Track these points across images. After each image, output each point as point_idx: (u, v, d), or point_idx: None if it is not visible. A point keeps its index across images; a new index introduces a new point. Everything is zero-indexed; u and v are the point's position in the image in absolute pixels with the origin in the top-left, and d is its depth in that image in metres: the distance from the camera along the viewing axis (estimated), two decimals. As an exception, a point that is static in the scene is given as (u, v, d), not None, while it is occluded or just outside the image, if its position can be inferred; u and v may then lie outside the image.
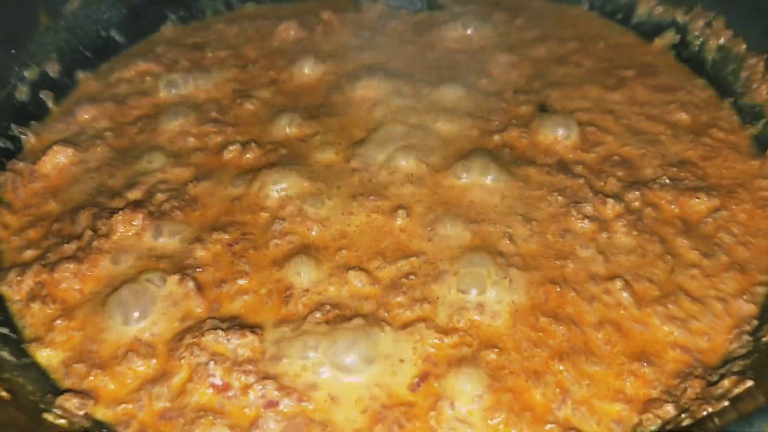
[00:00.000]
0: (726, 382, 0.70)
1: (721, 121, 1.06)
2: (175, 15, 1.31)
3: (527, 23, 1.28)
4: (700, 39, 1.17)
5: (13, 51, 1.11)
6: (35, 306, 0.84)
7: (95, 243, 0.89)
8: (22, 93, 1.11)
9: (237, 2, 1.36)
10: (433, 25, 1.28)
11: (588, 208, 0.91)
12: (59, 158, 1.02)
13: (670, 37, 1.21)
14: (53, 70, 1.16)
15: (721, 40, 1.14)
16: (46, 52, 1.16)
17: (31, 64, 1.13)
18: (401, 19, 1.30)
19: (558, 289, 0.82)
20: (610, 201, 0.91)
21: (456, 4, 1.33)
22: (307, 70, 1.18)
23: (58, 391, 0.76)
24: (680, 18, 1.21)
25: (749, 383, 0.68)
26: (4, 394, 0.71)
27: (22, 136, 1.07)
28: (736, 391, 0.68)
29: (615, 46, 1.23)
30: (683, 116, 1.07)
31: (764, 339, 0.76)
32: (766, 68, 1.06)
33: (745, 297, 0.82)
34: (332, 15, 1.28)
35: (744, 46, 1.10)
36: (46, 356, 0.80)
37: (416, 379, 0.75)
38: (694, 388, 0.72)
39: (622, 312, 0.81)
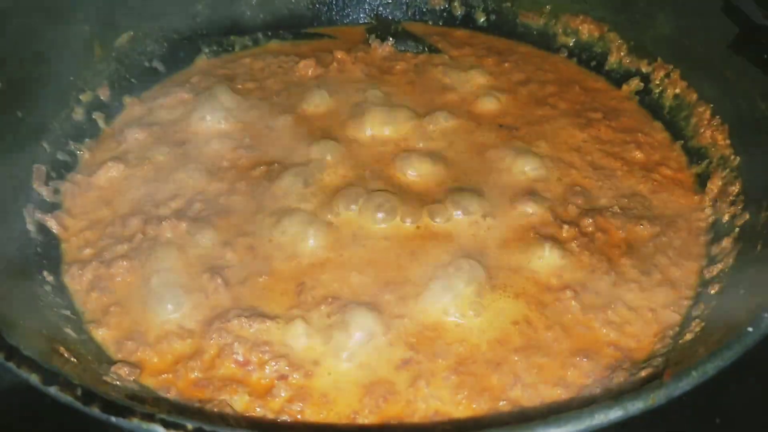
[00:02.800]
0: (642, 373, 0.89)
1: (671, 160, 1.25)
2: (208, 48, 1.50)
3: (514, 67, 1.46)
4: (660, 87, 1.36)
5: (71, 78, 1.30)
6: (94, 294, 1.03)
7: (144, 244, 1.08)
8: (78, 114, 1.30)
9: (262, 39, 1.54)
10: (432, 65, 1.47)
11: (548, 230, 1.10)
12: (112, 172, 1.21)
13: (635, 84, 1.40)
14: (104, 94, 1.35)
15: (677, 90, 1.32)
16: (99, 79, 1.35)
17: (86, 90, 1.32)
18: (405, 60, 1.49)
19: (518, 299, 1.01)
20: (566, 226, 1.09)
21: (453, 48, 1.52)
22: (321, 102, 1.37)
23: (112, 362, 0.95)
24: (644, 68, 1.39)
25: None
26: (73, 359, 0.90)
27: (78, 152, 1.26)
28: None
29: (588, 90, 1.41)
30: (638, 155, 1.25)
31: (681, 342, 0.94)
32: (711, 116, 1.24)
33: (672, 308, 1.01)
34: (345, 54, 1.47)
35: (695, 96, 1.29)
36: (101, 335, 0.99)
37: (401, 362, 0.94)
38: (618, 377, 0.91)
39: (569, 317, 1.00)
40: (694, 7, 1.30)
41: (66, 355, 0.87)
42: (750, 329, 0.74)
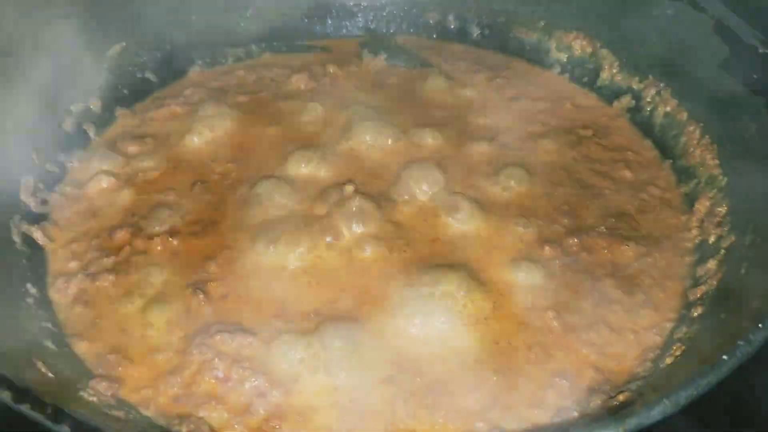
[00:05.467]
0: (620, 397, 0.89)
1: (659, 179, 1.24)
2: (201, 60, 1.51)
3: (506, 83, 1.46)
4: (651, 105, 1.35)
5: (62, 89, 1.31)
6: (77, 308, 1.03)
7: (132, 258, 1.08)
8: (69, 125, 1.30)
9: (256, 51, 1.55)
10: (424, 80, 1.47)
11: (532, 250, 1.10)
12: (102, 184, 1.21)
13: (626, 101, 1.39)
14: (95, 105, 1.36)
15: (668, 108, 1.32)
16: (90, 89, 1.36)
17: (77, 100, 1.33)
18: (397, 75, 1.49)
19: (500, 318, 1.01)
20: (548, 247, 1.09)
21: (446, 62, 1.52)
22: (313, 115, 1.37)
23: (92, 376, 0.95)
24: (636, 85, 1.39)
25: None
26: (50, 374, 0.90)
27: (68, 163, 1.27)
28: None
29: (579, 107, 1.41)
30: (627, 173, 1.25)
31: (661, 366, 0.94)
32: (701, 135, 1.24)
33: (654, 330, 1.00)
34: (337, 69, 1.48)
35: (685, 115, 1.28)
36: (82, 348, 0.99)
37: (380, 380, 0.94)
38: (596, 400, 0.90)
39: (551, 337, 0.99)
40: (685, 26, 1.30)
41: (43, 369, 0.87)
42: (725, 357, 0.74)
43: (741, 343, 0.75)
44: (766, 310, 0.81)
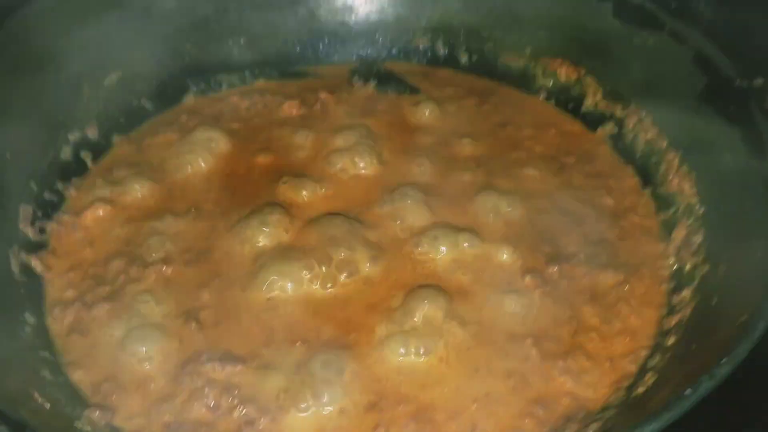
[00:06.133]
0: (594, 425, 0.92)
1: (639, 206, 1.28)
2: (196, 87, 1.54)
3: (493, 109, 1.49)
4: (633, 132, 1.39)
5: (60, 118, 1.35)
6: (74, 336, 1.07)
7: (127, 287, 1.12)
8: (66, 153, 1.34)
9: (249, 77, 1.59)
10: (413, 105, 1.50)
11: (514, 278, 1.13)
12: (98, 212, 1.25)
13: (610, 128, 1.43)
14: (93, 133, 1.39)
15: (649, 135, 1.35)
16: (88, 118, 1.39)
17: (74, 129, 1.37)
18: (387, 101, 1.53)
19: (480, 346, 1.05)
20: (528, 277, 1.13)
21: (435, 88, 1.55)
22: (304, 142, 1.41)
23: (86, 405, 0.99)
24: (618, 113, 1.42)
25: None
26: (46, 405, 0.94)
27: (65, 191, 1.30)
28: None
29: (564, 133, 1.44)
30: (609, 201, 1.28)
31: (633, 395, 0.97)
32: (680, 163, 1.27)
33: (629, 358, 1.04)
34: (328, 95, 1.51)
35: (665, 142, 1.32)
36: (78, 377, 1.03)
37: (365, 408, 0.98)
38: (572, 428, 0.94)
39: (529, 365, 1.03)
40: (666, 56, 1.33)
41: (39, 400, 0.91)
42: (688, 392, 0.77)
43: (704, 377, 0.79)
44: (731, 343, 0.84)
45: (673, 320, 1.06)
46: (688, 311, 1.05)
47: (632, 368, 1.02)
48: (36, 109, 1.28)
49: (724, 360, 0.80)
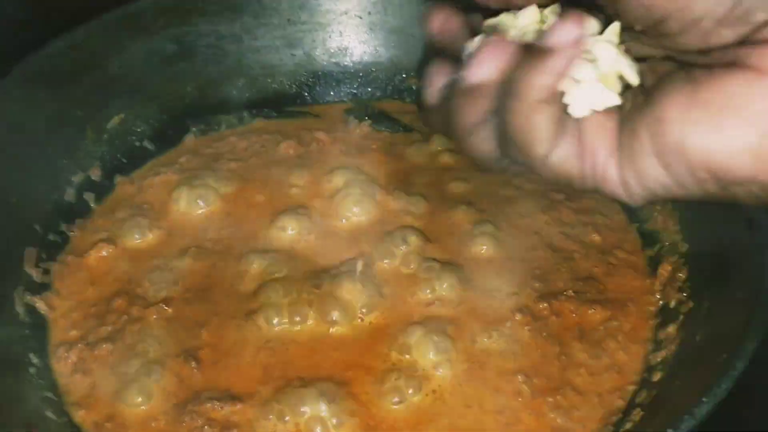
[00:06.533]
0: (582, 462, 0.95)
1: (626, 242, 1.31)
2: (196, 128, 1.58)
3: (484, 147, 1.54)
4: (620, 170, 1.43)
5: (65, 162, 1.39)
6: (77, 376, 1.10)
7: (128, 327, 1.15)
8: (70, 195, 1.38)
9: (248, 117, 1.63)
10: (406, 145, 1.55)
11: (504, 316, 1.17)
12: (101, 252, 1.29)
13: (598, 165, 1.47)
14: (95, 174, 1.43)
15: (636, 173, 1.40)
16: (91, 160, 1.44)
17: (78, 171, 1.41)
18: (381, 139, 1.57)
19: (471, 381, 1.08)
20: (519, 315, 1.16)
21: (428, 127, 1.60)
22: (301, 181, 1.45)
23: (90, 445, 1.02)
24: (606, 151, 1.47)
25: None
26: (51, 445, 0.97)
27: (69, 232, 1.34)
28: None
29: (553, 170, 1.49)
30: (596, 237, 1.32)
31: (621, 431, 1.00)
32: (663, 202, 1.31)
33: (617, 393, 1.07)
34: (324, 134, 1.56)
35: (651, 179, 1.36)
36: (81, 417, 1.06)
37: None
38: (560, 464, 0.97)
39: (519, 401, 1.06)
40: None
41: (43, 442, 0.94)
42: (669, 432, 0.81)
43: (686, 417, 0.82)
44: (713, 383, 0.87)
45: (659, 356, 1.09)
46: (673, 347, 1.09)
47: (621, 403, 1.05)
48: (42, 155, 1.32)
49: (704, 399, 0.83)
